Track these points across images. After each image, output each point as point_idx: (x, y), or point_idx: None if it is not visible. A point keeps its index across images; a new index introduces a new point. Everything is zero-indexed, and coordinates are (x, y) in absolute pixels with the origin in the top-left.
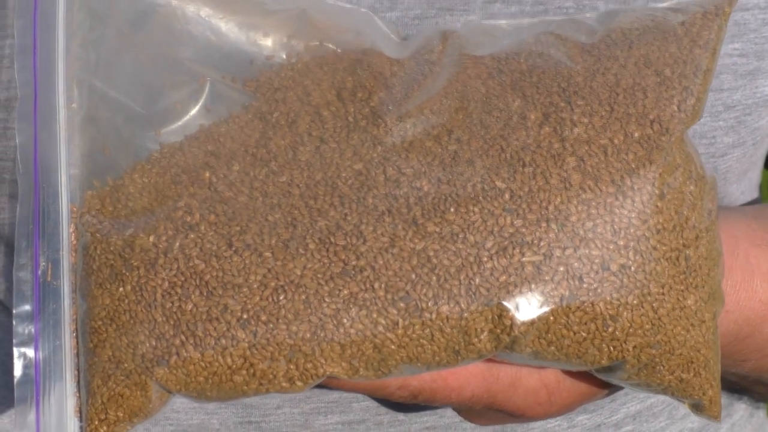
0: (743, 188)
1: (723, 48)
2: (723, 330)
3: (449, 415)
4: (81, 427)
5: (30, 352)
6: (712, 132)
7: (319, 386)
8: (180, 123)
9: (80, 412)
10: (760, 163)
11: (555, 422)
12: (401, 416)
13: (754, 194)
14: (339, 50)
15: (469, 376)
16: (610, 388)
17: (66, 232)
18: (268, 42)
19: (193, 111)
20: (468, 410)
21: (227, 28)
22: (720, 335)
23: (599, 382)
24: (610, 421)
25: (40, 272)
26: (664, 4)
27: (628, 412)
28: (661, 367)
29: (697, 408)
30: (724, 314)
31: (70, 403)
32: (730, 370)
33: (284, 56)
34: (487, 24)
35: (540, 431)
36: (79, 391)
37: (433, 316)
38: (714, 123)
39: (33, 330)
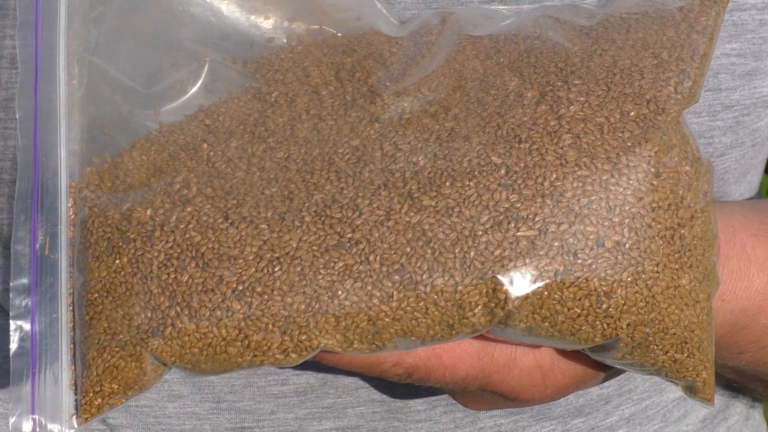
0: (742, 190)
1: (721, 48)
2: (719, 320)
3: (444, 422)
4: (76, 400)
5: (26, 325)
6: (710, 132)
7: (314, 390)
8: (179, 102)
9: (75, 385)
10: (761, 167)
11: (550, 426)
12: (396, 423)
13: (753, 196)
14: (339, 33)
15: (464, 355)
16: (606, 372)
17: (64, 206)
18: (268, 24)
19: (193, 91)
20: (462, 393)
21: (228, 9)
22: (716, 325)
23: (594, 364)
24: (603, 424)
25: (38, 246)
26: None
27: (622, 415)
28: (655, 347)
29: (690, 390)
30: (720, 304)
31: (66, 376)
32: (728, 364)
33: (285, 40)
34: (487, 8)
35: None
36: (74, 364)
37: (428, 289)
38: (712, 122)
39: (30, 303)
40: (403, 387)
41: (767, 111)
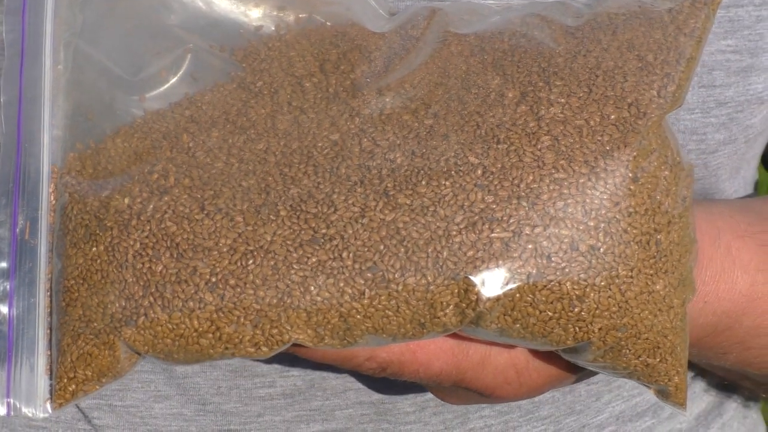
0: (736, 186)
1: (716, 44)
2: (702, 322)
3: (433, 423)
4: (51, 385)
5: (4, 309)
6: (703, 128)
7: (302, 393)
8: (164, 89)
9: (51, 370)
10: (754, 162)
11: (542, 426)
12: (385, 425)
13: (748, 192)
14: (328, 23)
15: (438, 352)
16: (580, 372)
17: (45, 191)
18: (257, 12)
19: (178, 78)
20: (438, 388)
21: None
22: (698, 327)
23: (569, 365)
24: (594, 422)
25: (18, 230)
26: None
27: (612, 412)
28: (627, 351)
29: (662, 394)
30: (702, 305)
31: (41, 361)
32: (714, 363)
33: (273, 28)
34: (476, 3)
35: None
36: (50, 349)
37: (400, 287)
38: (705, 119)
39: (8, 287)
40: (392, 389)
41: (761, 107)
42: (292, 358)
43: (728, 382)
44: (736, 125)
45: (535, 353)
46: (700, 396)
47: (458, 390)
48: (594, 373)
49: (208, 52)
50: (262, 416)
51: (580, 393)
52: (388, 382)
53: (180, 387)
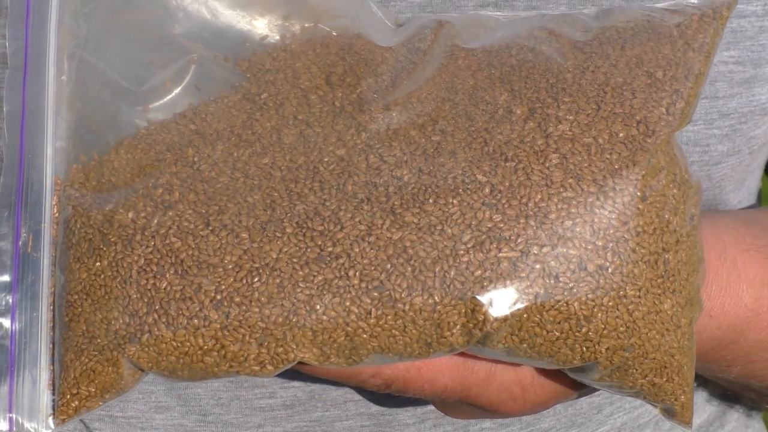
0: (740, 197)
1: (719, 55)
2: (706, 335)
3: None
4: (54, 401)
5: (6, 323)
6: (707, 140)
7: (302, 404)
8: (168, 100)
9: (53, 385)
10: (758, 173)
11: None
12: None
13: (752, 202)
14: (334, 33)
15: (444, 368)
16: (584, 389)
17: (48, 204)
18: (263, 22)
19: (183, 89)
20: (442, 403)
21: (223, 6)
22: (703, 340)
23: (573, 380)
24: None
25: (20, 243)
26: (662, 5)
27: (614, 424)
28: (634, 371)
29: (668, 413)
30: (707, 319)
31: (44, 376)
32: (717, 375)
33: (278, 37)
34: (483, 15)
35: None
36: (53, 364)
37: (406, 307)
38: (708, 131)
39: (11, 300)
40: (392, 400)
41: (765, 118)
42: (292, 369)
43: (731, 393)
44: (739, 136)
45: (540, 369)
46: (702, 406)
47: (462, 405)
48: (597, 388)
49: (212, 62)
50: (263, 427)
51: (581, 406)
52: (388, 394)
53: (180, 398)
